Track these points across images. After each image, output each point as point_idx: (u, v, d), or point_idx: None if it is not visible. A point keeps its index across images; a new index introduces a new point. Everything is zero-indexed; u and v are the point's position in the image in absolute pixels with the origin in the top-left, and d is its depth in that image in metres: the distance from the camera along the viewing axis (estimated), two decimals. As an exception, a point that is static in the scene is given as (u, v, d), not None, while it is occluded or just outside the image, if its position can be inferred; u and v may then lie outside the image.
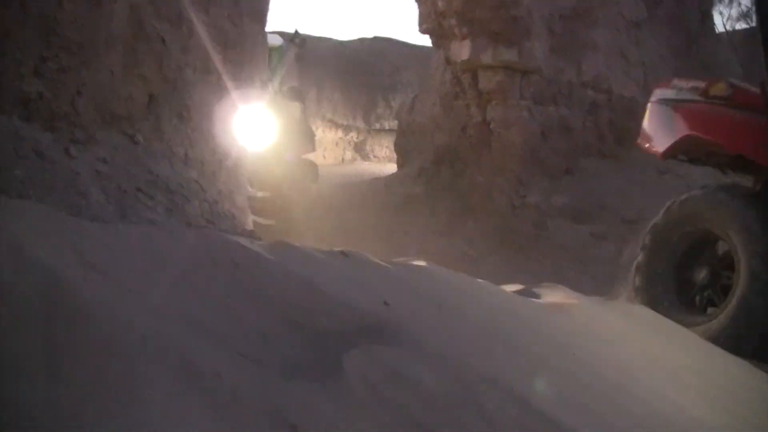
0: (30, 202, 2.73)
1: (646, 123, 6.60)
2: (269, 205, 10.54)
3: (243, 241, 3.14)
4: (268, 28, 9.60)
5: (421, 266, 3.99)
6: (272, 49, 12.68)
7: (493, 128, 13.00)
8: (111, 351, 2.02)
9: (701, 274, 5.85)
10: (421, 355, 2.56)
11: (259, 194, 10.51)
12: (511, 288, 4.96)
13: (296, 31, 12.75)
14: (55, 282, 2.18)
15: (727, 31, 21.45)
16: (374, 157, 25.94)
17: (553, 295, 4.82)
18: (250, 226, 6.18)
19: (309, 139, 12.28)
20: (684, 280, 5.94)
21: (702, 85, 6.05)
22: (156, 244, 2.80)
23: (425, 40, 14.79)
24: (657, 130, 6.50)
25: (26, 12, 4.64)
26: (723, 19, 22.27)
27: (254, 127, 10.38)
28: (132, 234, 2.82)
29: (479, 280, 4.30)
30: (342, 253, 3.54)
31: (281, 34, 12.73)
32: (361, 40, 26.32)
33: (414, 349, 2.59)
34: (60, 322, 2.06)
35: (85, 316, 2.11)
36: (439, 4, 13.02)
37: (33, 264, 2.19)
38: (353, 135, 26.13)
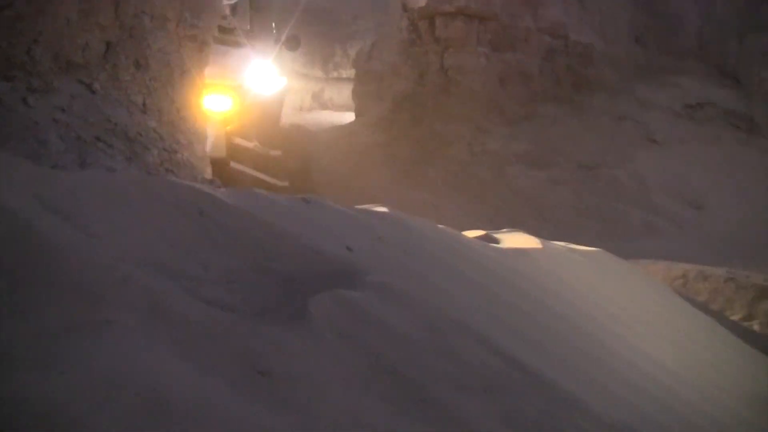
0: (-8, 151, 2.70)
1: None
2: (282, 166, 10.29)
3: (206, 188, 3.14)
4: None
5: (384, 212, 4.01)
6: None
7: (450, 75, 13.01)
8: (80, 294, 2.02)
9: None
10: (388, 299, 2.59)
11: (272, 153, 10.32)
12: (472, 234, 5.01)
13: None
14: (21, 227, 2.17)
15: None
16: (332, 105, 25.81)
17: (514, 240, 4.88)
18: (209, 175, 6.15)
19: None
20: None
21: None
22: (119, 190, 2.79)
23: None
24: None
25: (-19, -41, 4.56)
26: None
27: (251, 75, 10.19)
28: (95, 180, 2.80)
29: (441, 227, 4.34)
30: (304, 199, 3.56)
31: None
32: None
33: (381, 293, 2.62)
34: (28, 265, 2.05)
35: (53, 259, 2.11)
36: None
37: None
38: (311, 84, 25.95)
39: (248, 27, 11.86)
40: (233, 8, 12.00)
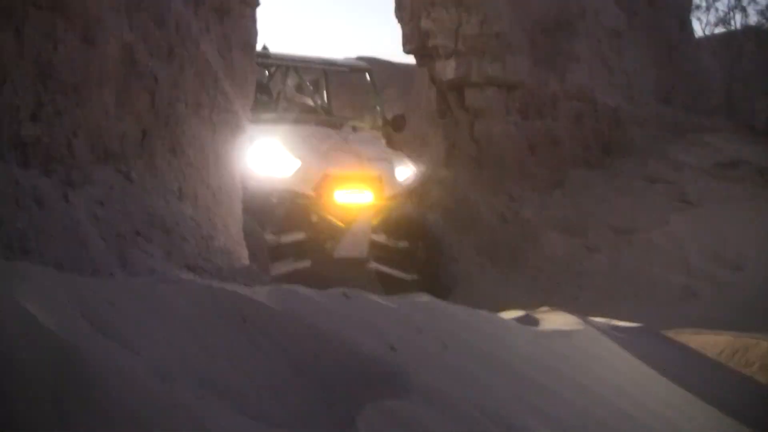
0: (34, 266, 2.74)
1: None
2: (410, 257, 9.55)
3: (246, 290, 3.16)
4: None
5: (424, 302, 4.01)
6: (357, 71, 12.15)
7: (481, 144, 13.07)
8: (123, 417, 2.04)
9: None
10: (431, 404, 2.59)
11: (399, 244, 9.64)
12: (511, 314, 4.99)
13: (264, 46, 12.52)
14: (66, 350, 2.19)
15: (706, 36, 21.60)
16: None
17: (554, 321, 4.85)
18: (246, 260, 6.18)
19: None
20: None
21: None
22: (162, 299, 2.81)
23: (409, 59, 14.85)
24: None
25: (22, 57, 4.66)
26: (701, 25, 22.39)
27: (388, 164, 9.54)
28: (137, 289, 2.83)
29: (480, 312, 4.33)
30: (344, 294, 3.56)
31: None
32: (346, 60, 26.32)
33: (424, 397, 2.62)
34: (72, 390, 2.07)
35: (97, 382, 2.12)
36: (423, 24, 13.09)
37: (44, 333, 2.20)
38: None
39: (326, 104, 11.53)
40: (315, 84, 11.60)
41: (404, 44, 13.60)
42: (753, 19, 19.79)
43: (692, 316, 9.12)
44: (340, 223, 8.77)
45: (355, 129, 10.08)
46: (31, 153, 4.71)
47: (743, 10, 20.06)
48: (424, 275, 9.43)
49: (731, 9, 20.49)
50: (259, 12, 6.78)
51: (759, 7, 19.70)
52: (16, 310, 2.27)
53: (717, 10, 22.11)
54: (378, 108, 11.09)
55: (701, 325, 7.30)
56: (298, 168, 8.90)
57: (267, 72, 11.23)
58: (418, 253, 9.75)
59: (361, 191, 8.96)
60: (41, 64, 4.75)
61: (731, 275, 11.45)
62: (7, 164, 4.43)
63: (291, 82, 11.13)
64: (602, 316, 5.82)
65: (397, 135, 11.03)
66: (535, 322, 4.79)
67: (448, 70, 13.08)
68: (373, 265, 9.26)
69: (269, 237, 8.25)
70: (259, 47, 8.00)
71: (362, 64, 12.53)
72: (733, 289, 11.00)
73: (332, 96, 11.89)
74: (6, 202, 3.99)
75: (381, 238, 9.44)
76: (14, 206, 3.97)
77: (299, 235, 8.72)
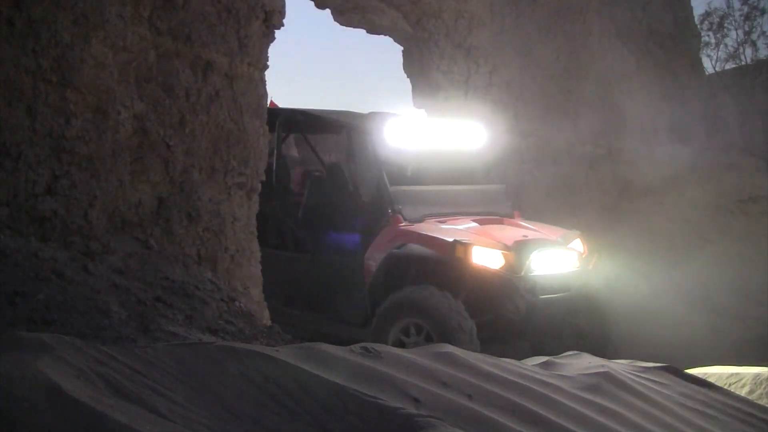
0: (57, 336, 2.76)
1: None
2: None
3: (269, 350, 3.16)
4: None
5: (446, 352, 3.99)
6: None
7: (498, 193, 13.06)
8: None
9: None
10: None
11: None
12: (534, 361, 4.95)
13: (270, 100, 12.37)
14: (92, 417, 2.20)
15: (717, 72, 21.64)
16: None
17: (577, 365, 4.81)
18: (268, 321, 6.19)
19: None
20: None
21: None
22: (182, 364, 2.82)
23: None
24: None
25: (35, 132, 4.73)
26: (712, 62, 22.45)
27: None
28: (160, 356, 2.84)
29: (504, 360, 4.30)
30: (365, 349, 3.55)
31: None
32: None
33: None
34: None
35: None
36: (433, 78, 13.17)
37: (70, 403, 2.21)
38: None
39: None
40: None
41: (414, 97, 13.64)
42: (763, 53, 19.82)
43: (717, 353, 9.04)
44: None
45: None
46: (49, 226, 4.78)
47: (753, 44, 20.14)
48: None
49: (741, 44, 20.57)
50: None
51: (769, 40, 19.77)
52: (40, 379, 2.28)
53: (726, 46, 22.15)
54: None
55: (727, 361, 7.24)
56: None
57: None
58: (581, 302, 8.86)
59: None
60: (54, 138, 4.83)
61: (755, 310, 11.36)
62: (25, 238, 4.48)
63: None
64: (626, 356, 5.78)
65: None
66: (559, 368, 4.75)
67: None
68: None
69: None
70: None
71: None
72: (758, 325, 10.91)
73: None
74: (26, 276, 4.03)
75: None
76: (34, 279, 4.01)
77: None
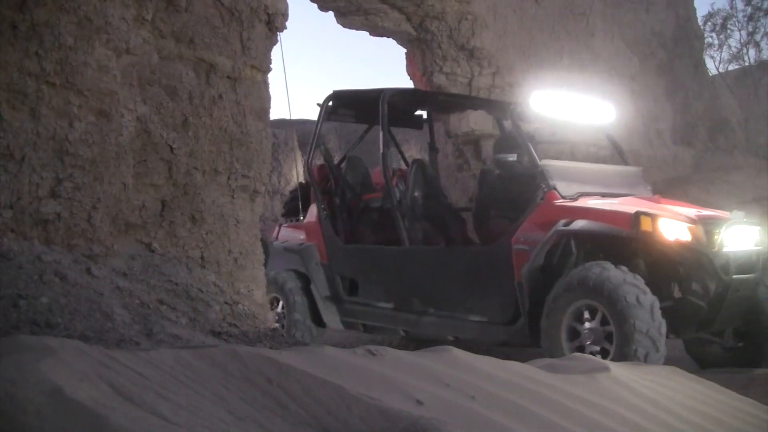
0: (60, 339, 2.76)
1: None
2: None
3: (272, 353, 3.15)
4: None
5: (449, 354, 3.99)
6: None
7: (501, 195, 13.05)
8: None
9: None
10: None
11: None
12: (537, 363, 4.94)
13: None
14: (95, 420, 2.20)
15: (720, 73, 21.63)
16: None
17: (579, 365, 4.81)
18: (272, 323, 6.19)
19: None
20: None
21: None
22: (188, 367, 2.82)
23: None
24: None
25: (38, 135, 4.74)
26: (715, 63, 22.44)
27: None
28: (163, 359, 2.84)
29: (507, 362, 4.30)
30: (370, 351, 3.56)
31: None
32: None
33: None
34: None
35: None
36: (435, 79, 13.18)
37: (73, 406, 2.21)
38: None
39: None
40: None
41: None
42: (767, 54, 19.82)
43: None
44: None
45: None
46: (52, 229, 4.78)
47: (756, 45, 20.14)
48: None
49: (744, 45, 20.57)
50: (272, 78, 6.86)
51: (772, 41, 19.80)
52: (43, 382, 2.28)
53: (730, 47, 22.14)
54: None
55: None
56: None
57: None
58: None
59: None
60: (58, 141, 4.83)
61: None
62: (29, 241, 4.48)
63: None
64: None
65: None
66: (562, 370, 4.75)
67: (462, 123, 13.12)
68: None
69: None
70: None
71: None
72: None
73: None
74: (29, 279, 4.03)
75: None
76: (38, 282, 4.02)
77: None
